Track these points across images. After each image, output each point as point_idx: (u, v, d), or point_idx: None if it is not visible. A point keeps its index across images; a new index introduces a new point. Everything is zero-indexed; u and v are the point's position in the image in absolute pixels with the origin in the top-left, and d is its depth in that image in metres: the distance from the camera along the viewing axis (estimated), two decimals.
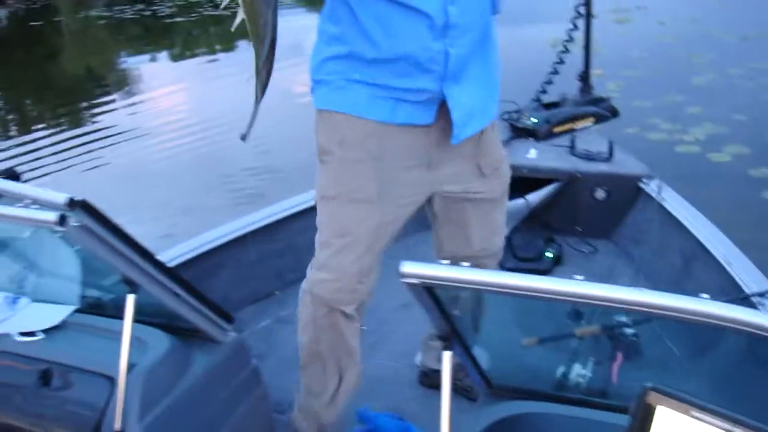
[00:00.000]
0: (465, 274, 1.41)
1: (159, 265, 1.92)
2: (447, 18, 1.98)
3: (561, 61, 4.17)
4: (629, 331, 2.00)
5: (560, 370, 1.93)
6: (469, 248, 2.36)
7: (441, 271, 1.42)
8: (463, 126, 2.13)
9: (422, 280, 1.44)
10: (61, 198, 1.68)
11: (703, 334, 2.07)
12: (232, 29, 1.73)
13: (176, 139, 7.75)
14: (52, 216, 1.64)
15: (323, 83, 2.15)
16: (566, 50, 4.14)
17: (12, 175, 1.89)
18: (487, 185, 2.30)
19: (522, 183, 3.60)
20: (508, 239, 3.42)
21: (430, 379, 2.77)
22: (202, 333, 2.13)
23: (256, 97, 1.85)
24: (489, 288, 1.39)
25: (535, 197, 3.64)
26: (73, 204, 1.68)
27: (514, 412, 1.77)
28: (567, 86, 4.29)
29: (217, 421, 2.17)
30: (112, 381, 1.93)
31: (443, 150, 2.18)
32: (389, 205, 2.18)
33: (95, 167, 7.08)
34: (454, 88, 2.07)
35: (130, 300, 1.91)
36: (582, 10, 4.04)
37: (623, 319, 2.01)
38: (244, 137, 1.88)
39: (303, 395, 2.41)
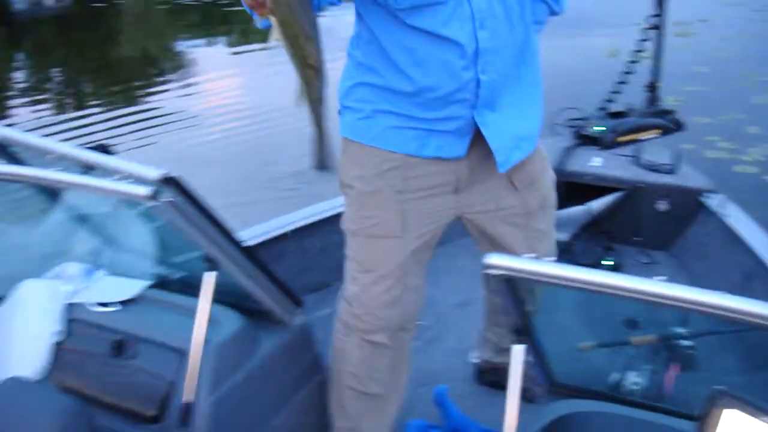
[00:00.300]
0: (548, 268, 1.44)
1: (239, 246, 1.96)
2: (477, 44, 1.88)
3: (630, 71, 4.15)
4: (685, 343, 2.01)
5: (615, 376, 1.94)
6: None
7: (525, 264, 1.45)
8: (509, 152, 2.05)
9: (505, 272, 1.47)
10: (154, 173, 1.72)
11: (762, 349, 2.07)
12: (269, 43, 1.66)
13: (226, 123, 7.81)
14: (144, 190, 1.68)
15: (350, 110, 2.07)
16: (636, 60, 4.12)
17: (104, 148, 1.93)
18: (520, 200, 2.19)
19: (585, 190, 3.61)
20: (569, 244, 3.44)
21: (486, 376, 2.78)
22: (271, 315, 2.16)
23: (317, 125, 1.76)
24: (572, 284, 1.42)
25: (597, 205, 3.63)
26: (165, 179, 1.72)
27: (577, 410, 1.79)
28: (629, 96, 4.28)
29: (279, 402, 2.20)
30: (182, 355, 1.97)
31: (473, 174, 2.10)
32: (413, 235, 2.12)
33: (143, 146, 7.16)
34: (488, 115, 1.98)
35: (210, 277, 1.95)
36: (654, 21, 4.02)
37: (680, 330, 2.02)
38: (320, 166, 1.82)
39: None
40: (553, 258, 2.41)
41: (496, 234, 2.23)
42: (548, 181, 2.29)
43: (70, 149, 1.94)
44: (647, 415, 1.75)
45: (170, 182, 1.72)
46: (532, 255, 2.25)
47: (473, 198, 2.15)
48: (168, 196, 1.71)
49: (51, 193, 2.21)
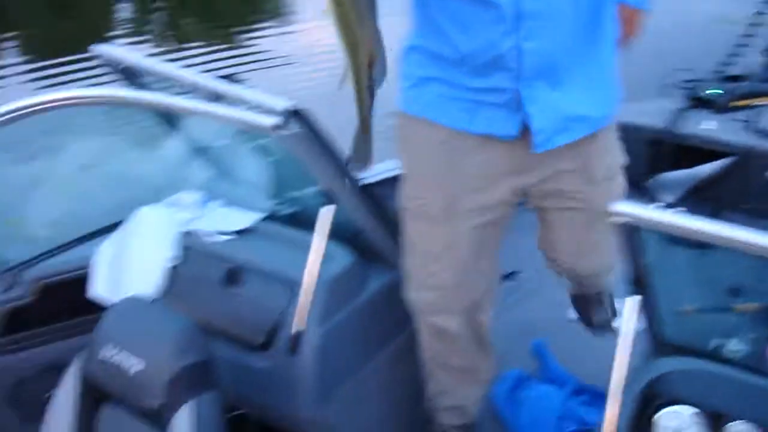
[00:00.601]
0: (677, 219, 1.43)
1: (357, 183, 1.98)
2: (518, 6, 1.69)
3: (750, 35, 4.02)
4: None
5: (717, 340, 1.92)
6: (555, 253, 2.18)
7: (653, 213, 1.44)
8: (553, 134, 1.85)
9: (632, 220, 1.47)
10: (281, 105, 1.74)
11: None
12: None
13: (324, 70, 7.80)
14: (271, 120, 1.71)
15: (402, 78, 1.92)
16: (758, 24, 3.99)
17: (231, 79, 1.95)
18: (590, 194, 1.98)
19: (694, 153, 3.53)
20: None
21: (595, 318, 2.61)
22: (380, 254, 2.18)
23: (361, 118, 1.64)
24: (703, 237, 1.41)
25: (705, 169, 3.55)
26: (291, 111, 1.74)
27: (683, 367, 1.77)
28: (748, 61, 4.14)
29: (382, 341, 2.23)
30: (292, 286, 2.01)
31: (532, 158, 1.90)
32: (464, 219, 1.97)
33: (243, 85, 7.19)
34: (537, 89, 1.79)
35: (328, 212, 1.96)
36: None
37: None
38: (357, 163, 1.74)
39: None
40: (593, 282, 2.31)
41: (552, 223, 2.10)
42: (621, 184, 2.07)
43: (197, 77, 1.96)
44: (752, 378, 1.73)
45: (297, 114, 1.74)
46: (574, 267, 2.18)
47: (536, 183, 1.97)
48: (295, 127, 1.73)
49: (170, 121, 2.26)
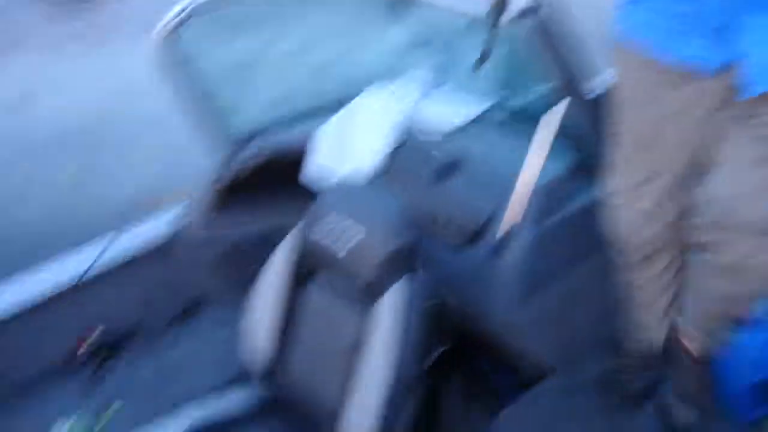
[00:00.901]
0: None
1: (584, 90, 1.92)
2: None
3: None
4: None
5: None
6: (710, 194, 1.86)
7: None
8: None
9: None
10: None
11: None
12: None
13: None
14: (509, 11, 1.68)
15: None
16: None
17: None
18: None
19: None
20: None
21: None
22: (595, 167, 2.14)
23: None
24: None
25: None
26: (531, 3, 1.71)
27: None
28: None
29: (581, 257, 2.18)
30: (507, 183, 1.99)
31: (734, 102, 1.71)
32: (664, 154, 1.87)
33: None
34: (751, 17, 1.59)
35: (557, 110, 1.91)
36: None
37: None
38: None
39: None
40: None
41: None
42: None
43: None
44: None
45: (536, 6, 1.71)
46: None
47: (732, 114, 1.77)
48: (535, 19, 1.70)
49: (400, 6, 2.25)
